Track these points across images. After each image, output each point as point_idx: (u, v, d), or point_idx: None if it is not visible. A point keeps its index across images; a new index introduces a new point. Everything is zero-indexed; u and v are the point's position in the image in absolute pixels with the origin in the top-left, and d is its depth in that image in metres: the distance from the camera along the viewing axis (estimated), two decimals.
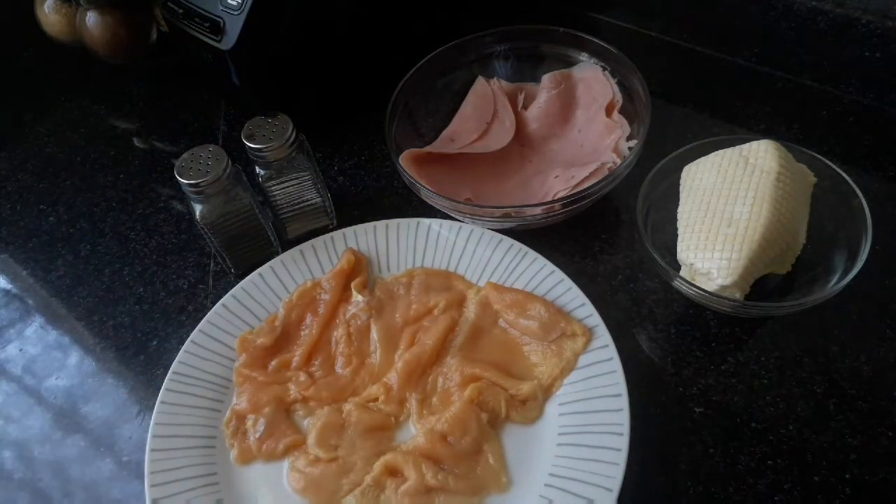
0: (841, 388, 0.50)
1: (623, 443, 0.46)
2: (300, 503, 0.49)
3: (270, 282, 0.59)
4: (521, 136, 0.67)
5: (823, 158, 0.54)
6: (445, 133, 0.67)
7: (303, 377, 0.55)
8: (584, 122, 0.65)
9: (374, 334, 0.56)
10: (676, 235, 0.53)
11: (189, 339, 0.56)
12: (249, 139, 0.56)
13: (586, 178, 0.59)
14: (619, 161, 0.59)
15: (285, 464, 0.51)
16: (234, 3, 0.61)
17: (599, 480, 0.45)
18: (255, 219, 0.59)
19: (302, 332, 0.57)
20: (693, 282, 0.50)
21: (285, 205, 0.61)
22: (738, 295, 0.49)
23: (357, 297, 0.58)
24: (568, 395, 0.51)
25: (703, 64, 0.73)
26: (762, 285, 0.52)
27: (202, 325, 0.56)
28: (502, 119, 0.66)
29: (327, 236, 0.61)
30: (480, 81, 0.69)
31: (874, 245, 0.49)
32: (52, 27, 0.84)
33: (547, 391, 0.51)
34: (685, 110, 0.69)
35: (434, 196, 0.57)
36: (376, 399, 0.53)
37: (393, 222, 0.61)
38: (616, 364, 0.50)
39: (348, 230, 0.61)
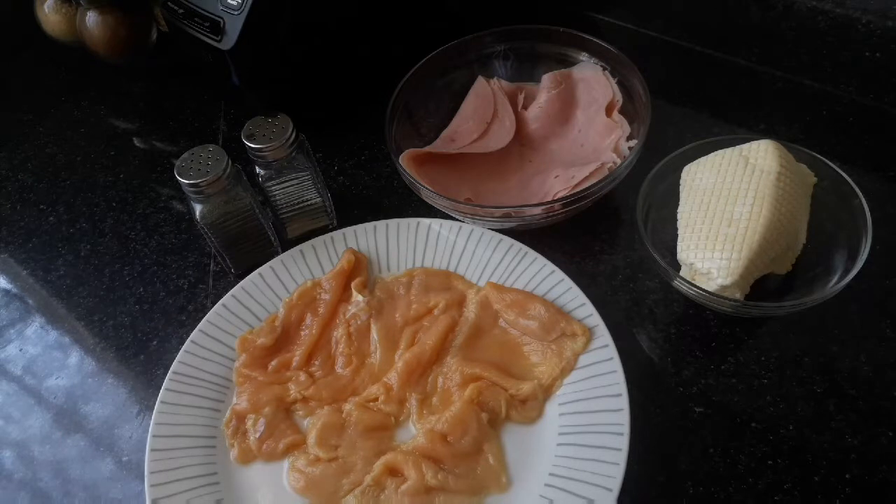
0: (841, 388, 0.50)
1: (623, 443, 0.46)
2: (300, 503, 0.49)
3: (270, 282, 0.59)
4: (521, 136, 0.67)
5: (823, 158, 0.54)
6: (445, 133, 0.67)
7: (303, 377, 0.55)
8: (584, 122, 0.65)
9: (374, 334, 0.56)
10: (676, 235, 0.53)
11: (189, 339, 0.56)
12: (249, 139, 0.56)
13: (586, 178, 0.59)
14: (619, 161, 0.60)
15: (285, 464, 0.51)
16: (234, 3, 0.61)
17: (599, 480, 0.45)
18: (255, 219, 0.59)
19: (302, 332, 0.57)
20: (693, 282, 0.50)
21: (285, 205, 0.61)
22: (738, 295, 0.49)
23: (357, 297, 0.58)
24: (568, 395, 0.51)
25: (703, 64, 0.73)
26: (762, 285, 0.52)
27: (202, 325, 0.56)
28: (502, 119, 0.66)
29: (327, 236, 0.61)
30: (480, 81, 0.69)
31: (874, 245, 0.49)
32: (52, 27, 0.84)
33: (547, 391, 0.51)
34: (685, 110, 0.69)
35: (434, 196, 0.57)
36: (376, 399, 0.53)
37: (393, 222, 0.61)
38: (616, 364, 0.50)
39: (348, 230, 0.61)
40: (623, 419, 0.47)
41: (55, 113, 0.83)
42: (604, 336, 0.51)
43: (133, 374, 0.59)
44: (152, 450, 0.50)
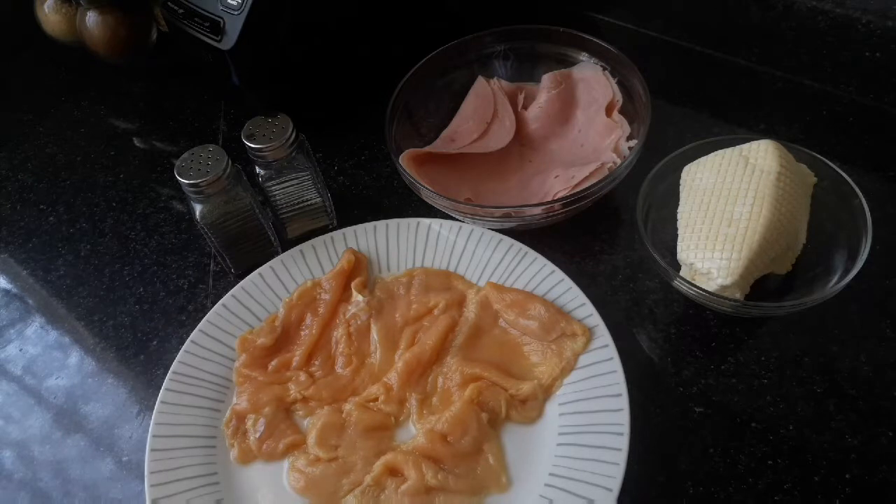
0: (841, 388, 0.50)
1: (623, 443, 0.46)
2: (300, 503, 0.49)
3: (270, 282, 0.59)
4: (521, 136, 0.67)
5: (823, 158, 0.54)
6: (445, 133, 0.67)
7: (303, 377, 0.55)
8: (584, 122, 0.65)
9: (374, 334, 0.56)
10: (676, 235, 0.53)
11: (189, 339, 0.56)
12: (249, 139, 0.56)
13: (586, 177, 0.59)
14: (619, 161, 0.60)
15: (285, 464, 0.51)
16: (234, 3, 0.61)
17: (599, 480, 0.45)
18: (255, 219, 0.59)
19: (302, 332, 0.57)
20: (693, 282, 0.50)
21: (285, 205, 0.61)
22: (738, 295, 0.49)
23: (357, 297, 0.58)
24: (568, 395, 0.51)
25: (703, 64, 0.73)
26: (762, 285, 0.52)
27: (202, 325, 0.56)
28: (502, 119, 0.66)
29: (327, 236, 0.61)
30: (480, 81, 0.69)
31: (874, 245, 0.49)
32: (52, 27, 0.84)
33: (547, 391, 0.51)
34: (685, 110, 0.69)
35: (434, 196, 0.57)
36: (376, 399, 0.53)
37: (393, 222, 0.61)
38: (616, 364, 0.50)
39: (348, 230, 0.61)
40: (623, 419, 0.47)
41: (55, 113, 0.83)
42: (604, 336, 0.51)
43: (133, 374, 0.59)
44: (152, 450, 0.50)
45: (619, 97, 0.63)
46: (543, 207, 0.55)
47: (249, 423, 0.52)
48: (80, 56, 0.81)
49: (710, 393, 0.51)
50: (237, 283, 0.59)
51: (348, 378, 0.55)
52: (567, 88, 0.66)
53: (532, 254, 0.57)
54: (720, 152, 0.54)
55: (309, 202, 0.62)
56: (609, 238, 0.61)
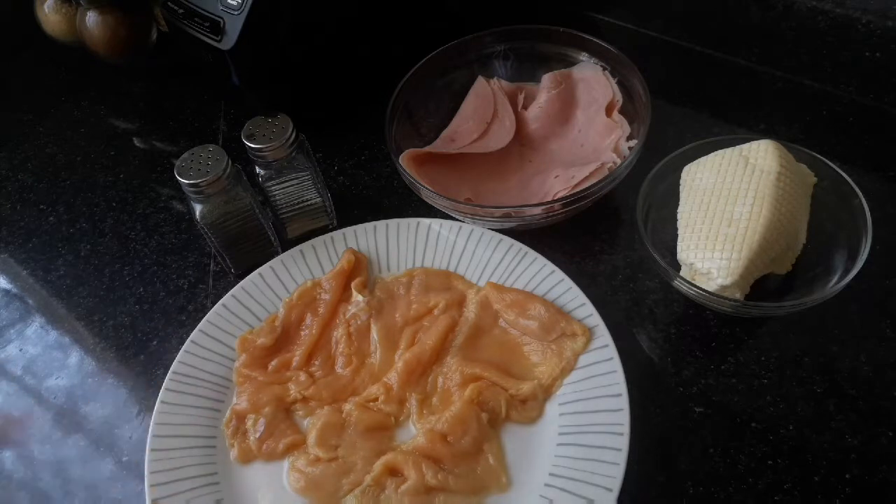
0: (841, 388, 0.50)
1: (623, 443, 0.46)
2: (300, 503, 0.49)
3: (270, 282, 0.59)
4: (521, 136, 0.67)
5: (823, 158, 0.54)
6: (445, 133, 0.67)
7: (303, 377, 0.55)
8: (584, 122, 0.65)
9: (374, 334, 0.56)
10: (676, 235, 0.53)
11: (189, 339, 0.56)
12: (249, 139, 0.56)
13: (586, 177, 0.59)
14: (619, 161, 0.60)
15: (285, 464, 0.51)
16: (234, 3, 0.61)
17: (599, 480, 0.45)
18: (255, 219, 0.59)
19: (302, 332, 0.57)
20: (693, 282, 0.50)
21: (285, 205, 0.61)
22: (738, 295, 0.49)
23: (357, 297, 0.58)
24: (568, 394, 0.51)
25: (703, 64, 0.73)
26: (762, 285, 0.52)
27: (202, 325, 0.56)
28: (502, 119, 0.66)
29: (327, 236, 0.61)
30: (480, 81, 0.69)
31: (874, 245, 0.49)
32: (52, 27, 0.84)
33: (547, 391, 0.51)
34: (685, 110, 0.69)
35: (434, 196, 0.57)
36: (376, 399, 0.53)
37: (393, 222, 0.61)
38: (616, 364, 0.50)
39: (348, 230, 0.61)
40: (623, 419, 0.47)
41: (55, 113, 0.83)
42: (604, 336, 0.51)
43: (133, 374, 0.59)
44: (152, 450, 0.50)
45: (619, 97, 0.63)
46: (543, 207, 0.55)
47: (249, 423, 0.52)
48: (80, 56, 0.81)
49: (710, 393, 0.51)
50: (237, 283, 0.59)
51: (348, 378, 0.55)
52: (567, 88, 0.66)
53: (532, 254, 0.57)
54: (720, 152, 0.54)
55: (309, 202, 0.62)
56: (609, 238, 0.61)
